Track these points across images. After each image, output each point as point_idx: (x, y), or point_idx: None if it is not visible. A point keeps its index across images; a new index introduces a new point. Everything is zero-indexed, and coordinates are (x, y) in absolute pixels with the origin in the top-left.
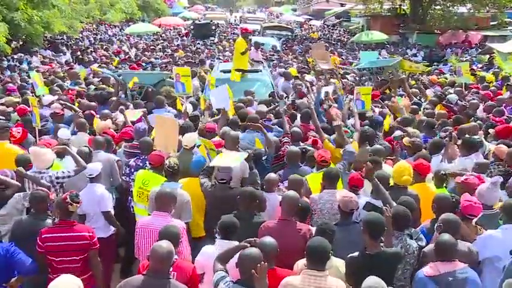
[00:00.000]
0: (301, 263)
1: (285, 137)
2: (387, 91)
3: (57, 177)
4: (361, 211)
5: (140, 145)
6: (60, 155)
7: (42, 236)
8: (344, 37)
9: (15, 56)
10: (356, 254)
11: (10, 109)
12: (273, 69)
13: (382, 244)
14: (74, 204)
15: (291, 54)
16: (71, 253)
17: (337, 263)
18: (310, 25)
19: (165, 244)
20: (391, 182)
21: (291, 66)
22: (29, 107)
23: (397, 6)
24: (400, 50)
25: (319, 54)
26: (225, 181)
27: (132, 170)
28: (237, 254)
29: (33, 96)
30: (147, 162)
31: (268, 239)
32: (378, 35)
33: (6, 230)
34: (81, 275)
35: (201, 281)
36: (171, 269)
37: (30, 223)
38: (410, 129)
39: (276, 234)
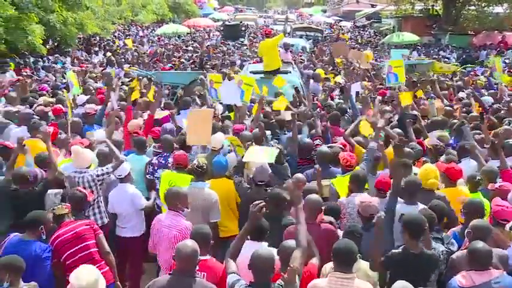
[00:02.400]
0: (329, 266)
1: (317, 139)
2: (419, 93)
3: (97, 175)
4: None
5: (162, 143)
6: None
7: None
8: (374, 38)
9: (50, 57)
10: (398, 250)
11: (48, 109)
12: (302, 71)
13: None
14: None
15: (320, 55)
16: (77, 241)
17: (365, 266)
18: (340, 26)
19: (190, 243)
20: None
21: (320, 68)
22: (63, 106)
23: (430, 7)
24: (432, 52)
25: (340, 52)
26: (263, 183)
27: (156, 168)
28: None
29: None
30: (169, 159)
31: (289, 242)
32: (409, 36)
33: None
34: (94, 264)
35: None
36: (197, 268)
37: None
38: (438, 133)
39: None
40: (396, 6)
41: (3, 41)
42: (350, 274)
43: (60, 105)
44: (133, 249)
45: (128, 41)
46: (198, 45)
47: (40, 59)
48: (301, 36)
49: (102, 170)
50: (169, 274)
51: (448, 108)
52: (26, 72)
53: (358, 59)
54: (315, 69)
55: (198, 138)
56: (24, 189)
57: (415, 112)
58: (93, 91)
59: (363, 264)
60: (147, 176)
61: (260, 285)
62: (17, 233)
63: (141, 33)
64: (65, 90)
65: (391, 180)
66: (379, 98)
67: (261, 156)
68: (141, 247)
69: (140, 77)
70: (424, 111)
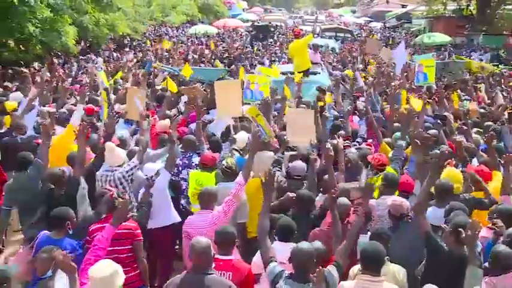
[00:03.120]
0: (357, 268)
1: (346, 140)
2: (454, 96)
3: (126, 172)
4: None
5: (183, 143)
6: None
7: (90, 230)
8: (405, 39)
9: (83, 57)
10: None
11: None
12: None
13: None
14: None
15: (349, 56)
16: (114, 242)
17: (394, 269)
18: (370, 27)
19: (203, 239)
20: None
21: (349, 69)
22: (96, 106)
23: (463, 7)
24: (464, 53)
25: (373, 48)
26: (300, 177)
27: (180, 168)
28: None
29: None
30: (192, 159)
31: (317, 244)
32: (440, 37)
33: None
34: (127, 266)
35: (258, 281)
36: (214, 266)
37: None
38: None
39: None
40: (427, 7)
41: (38, 42)
42: (378, 277)
43: (91, 105)
44: (163, 240)
45: (165, 42)
46: (227, 46)
47: (73, 59)
48: (330, 37)
49: (129, 165)
50: (186, 272)
51: (482, 111)
52: (59, 72)
53: (388, 58)
54: (344, 70)
55: (229, 110)
56: (59, 189)
57: (446, 113)
58: (121, 91)
59: (391, 268)
60: (172, 178)
61: (299, 278)
62: (46, 231)
63: (171, 34)
64: (104, 91)
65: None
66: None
67: (302, 133)
68: (170, 239)
69: (172, 75)
70: (457, 113)
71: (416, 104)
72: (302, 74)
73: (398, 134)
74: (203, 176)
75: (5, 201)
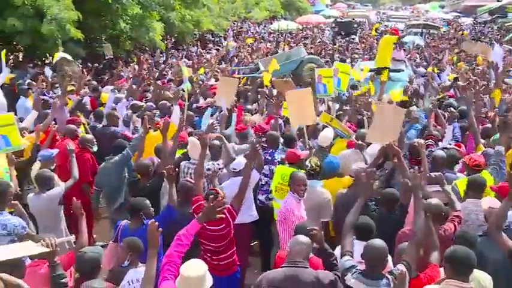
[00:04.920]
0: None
1: (428, 139)
2: None
3: (207, 169)
4: None
5: (267, 139)
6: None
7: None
8: (498, 35)
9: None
10: None
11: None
12: (415, 69)
13: None
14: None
15: (435, 53)
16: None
17: (480, 276)
18: (459, 23)
19: (304, 236)
20: None
21: (434, 66)
22: (183, 101)
23: None
24: None
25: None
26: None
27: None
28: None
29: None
30: (275, 155)
31: (404, 245)
32: None
33: None
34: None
35: None
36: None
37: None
38: None
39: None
40: None
41: (128, 38)
42: (467, 284)
43: (181, 100)
44: (241, 237)
45: (249, 39)
46: (309, 43)
47: (161, 54)
48: (415, 33)
49: (214, 164)
50: (282, 266)
51: None
52: (146, 67)
53: (485, 54)
54: (427, 68)
55: (303, 119)
56: (144, 181)
57: None
58: (203, 86)
59: (477, 274)
60: None
61: (371, 275)
62: (126, 220)
63: (253, 30)
64: (187, 86)
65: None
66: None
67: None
68: (248, 235)
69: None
70: None
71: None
72: (387, 72)
73: (497, 136)
74: (289, 171)
75: (95, 182)
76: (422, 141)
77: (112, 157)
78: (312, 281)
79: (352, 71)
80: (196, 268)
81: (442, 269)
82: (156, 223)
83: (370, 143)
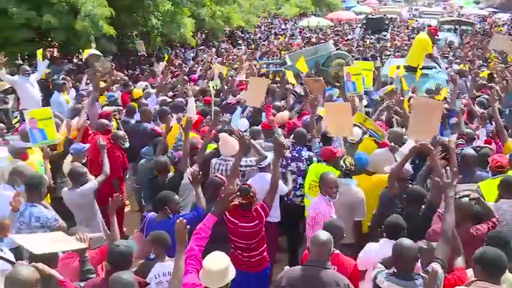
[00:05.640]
0: (470, 273)
1: (459, 138)
2: None
3: (240, 166)
4: None
5: (295, 136)
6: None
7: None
8: None
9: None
10: None
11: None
12: (448, 66)
13: None
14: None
15: (469, 50)
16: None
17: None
18: (495, 19)
19: (323, 233)
20: None
21: (468, 63)
22: (211, 97)
23: None
24: None
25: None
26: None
27: (289, 161)
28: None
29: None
30: (302, 152)
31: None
32: None
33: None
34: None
35: (363, 278)
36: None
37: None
38: None
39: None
40: None
41: (159, 34)
42: (499, 286)
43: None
44: (269, 234)
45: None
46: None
47: (190, 51)
48: (449, 30)
49: (246, 161)
50: (302, 265)
51: None
52: (178, 63)
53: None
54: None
55: (339, 130)
56: (163, 178)
57: None
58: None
59: (509, 277)
60: (280, 169)
61: (402, 274)
62: (153, 213)
63: (283, 26)
64: (216, 82)
65: None
66: None
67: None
68: (275, 232)
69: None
70: None
71: None
72: (421, 70)
73: None
74: (324, 169)
75: (136, 180)
76: (453, 140)
77: (151, 156)
78: (329, 282)
79: (389, 68)
80: (219, 261)
81: (468, 271)
82: (184, 220)
83: (403, 143)
